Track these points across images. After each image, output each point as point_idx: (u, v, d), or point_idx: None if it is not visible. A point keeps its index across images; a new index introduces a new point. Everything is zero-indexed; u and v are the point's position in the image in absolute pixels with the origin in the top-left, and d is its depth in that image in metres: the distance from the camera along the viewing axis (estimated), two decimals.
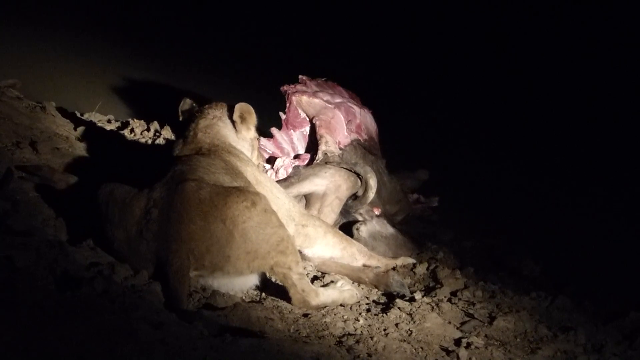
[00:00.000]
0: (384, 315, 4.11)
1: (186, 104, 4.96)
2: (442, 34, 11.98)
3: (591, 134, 9.54)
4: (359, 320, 3.99)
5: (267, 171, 5.34)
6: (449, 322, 4.13)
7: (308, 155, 5.52)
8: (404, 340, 3.76)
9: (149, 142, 6.32)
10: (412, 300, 4.41)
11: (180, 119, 4.92)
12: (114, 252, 3.84)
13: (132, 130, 6.43)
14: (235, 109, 4.69)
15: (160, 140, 6.35)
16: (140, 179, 4.01)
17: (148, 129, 6.54)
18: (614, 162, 8.75)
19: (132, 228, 3.78)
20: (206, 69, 9.34)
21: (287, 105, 5.72)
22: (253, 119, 4.77)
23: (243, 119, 4.71)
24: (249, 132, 4.77)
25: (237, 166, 4.37)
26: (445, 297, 4.60)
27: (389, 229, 5.50)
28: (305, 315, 3.93)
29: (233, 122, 4.70)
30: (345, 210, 5.44)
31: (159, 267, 3.68)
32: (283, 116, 5.75)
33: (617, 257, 6.14)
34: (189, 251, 3.66)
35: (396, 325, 3.99)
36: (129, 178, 4.09)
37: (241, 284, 3.96)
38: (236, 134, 4.70)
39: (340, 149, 5.49)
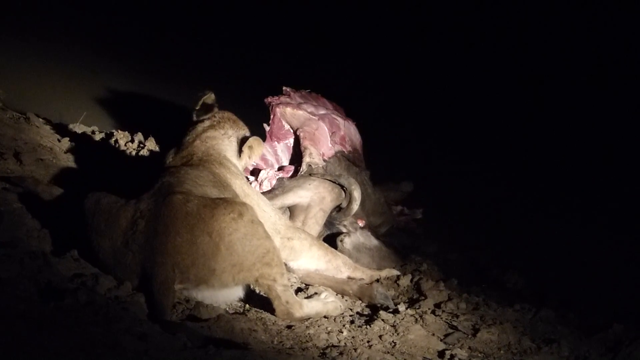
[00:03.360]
0: (368, 327, 4.11)
1: (210, 98, 4.92)
2: (426, 47, 12.04)
3: (576, 145, 9.59)
4: (342, 332, 3.99)
5: (251, 183, 5.34)
6: (433, 334, 4.13)
7: (292, 167, 5.53)
8: (388, 352, 3.75)
9: (133, 153, 6.30)
10: (395, 312, 4.42)
11: (197, 108, 4.87)
12: (99, 262, 3.81)
13: (116, 142, 6.40)
14: (250, 140, 4.72)
15: (144, 152, 6.33)
16: (125, 190, 4.00)
17: (132, 141, 6.52)
18: (598, 174, 8.79)
19: (118, 238, 3.76)
20: (190, 80, 9.29)
21: (271, 117, 5.72)
22: (259, 153, 4.82)
23: (251, 149, 4.73)
24: (249, 160, 4.80)
25: (226, 178, 4.37)
26: (429, 309, 4.60)
27: (373, 241, 5.51)
28: (289, 326, 3.92)
29: (240, 148, 4.72)
30: (330, 222, 5.44)
31: (144, 278, 3.65)
32: (267, 128, 5.75)
33: (602, 270, 6.17)
34: (174, 264, 3.64)
35: (380, 337, 3.99)
36: (113, 189, 4.07)
37: (225, 296, 3.95)
38: (236, 156, 4.71)
39: (324, 160, 5.51)
